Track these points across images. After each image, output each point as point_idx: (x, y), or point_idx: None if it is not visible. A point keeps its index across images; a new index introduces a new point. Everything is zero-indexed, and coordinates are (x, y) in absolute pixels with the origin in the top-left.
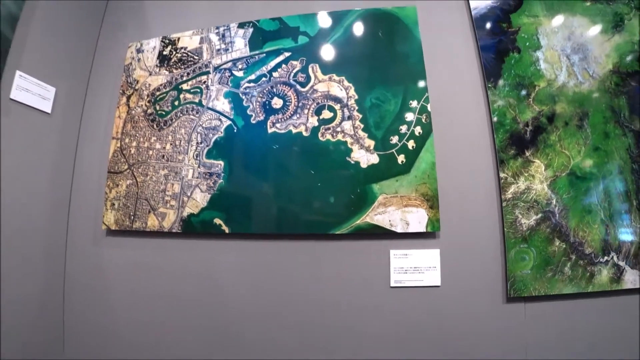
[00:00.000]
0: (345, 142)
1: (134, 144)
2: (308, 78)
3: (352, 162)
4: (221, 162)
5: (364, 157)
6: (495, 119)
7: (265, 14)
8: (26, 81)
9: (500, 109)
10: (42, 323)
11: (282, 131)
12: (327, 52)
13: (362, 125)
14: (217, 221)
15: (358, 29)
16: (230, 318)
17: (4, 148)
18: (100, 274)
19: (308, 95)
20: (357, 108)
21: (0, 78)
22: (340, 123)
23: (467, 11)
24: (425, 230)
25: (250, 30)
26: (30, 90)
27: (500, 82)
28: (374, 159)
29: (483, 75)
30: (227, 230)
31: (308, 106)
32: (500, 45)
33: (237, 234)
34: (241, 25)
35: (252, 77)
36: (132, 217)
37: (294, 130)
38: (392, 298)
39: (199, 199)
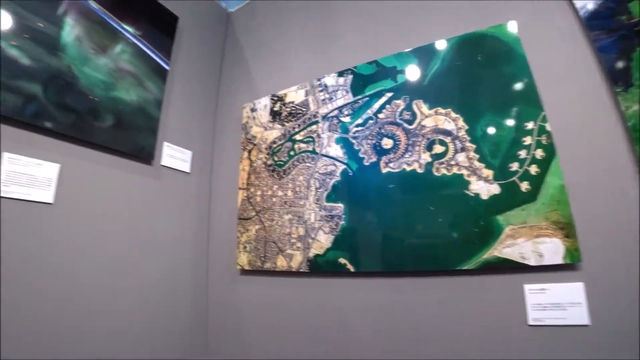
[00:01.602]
0: (462, 174)
1: (259, 192)
2: (414, 115)
3: (472, 194)
4: (341, 205)
5: (484, 188)
6: (630, 125)
7: (361, 59)
8: (171, 149)
9: (636, 115)
10: (190, 349)
11: (396, 170)
12: (429, 86)
13: (477, 156)
14: (342, 261)
15: (455, 57)
16: (357, 355)
17: (159, 204)
18: (236, 309)
19: (417, 132)
20: (469, 139)
21: (154, 149)
22: (453, 156)
23: (572, 13)
24: (563, 262)
25: (350, 77)
26: (174, 156)
27: (632, 82)
28: (495, 189)
29: (607, 79)
30: (352, 269)
31: (418, 143)
32: (622, 42)
33: (362, 272)
34: (340, 74)
35: (359, 121)
36: (263, 259)
37: (408, 168)
38: (532, 337)
39: (323, 240)
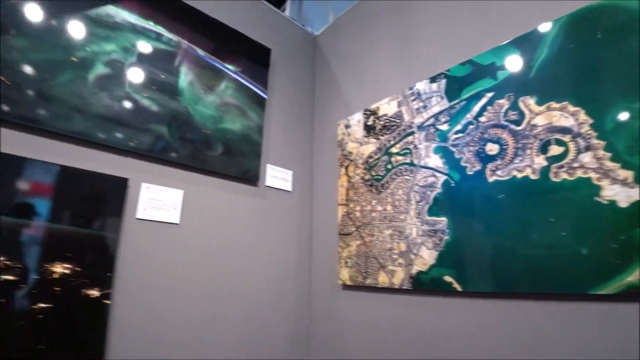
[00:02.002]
0: (589, 178)
1: (358, 208)
2: (521, 114)
3: (605, 202)
4: (444, 219)
5: (621, 193)
6: None
7: (454, 61)
8: (273, 170)
9: None
10: None
11: (505, 178)
12: (536, 79)
13: (608, 154)
14: (448, 279)
15: (566, 40)
16: None
17: (266, 221)
18: (337, 323)
19: (526, 133)
20: (595, 135)
21: (259, 171)
22: (576, 157)
23: None
24: None
25: (443, 81)
26: (277, 176)
27: None
28: (637, 194)
29: None
30: (458, 288)
31: (529, 145)
32: None
33: (470, 292)
34: (433, 80)
35: (458, 127)
36: (364, 274)
37: (519, 175)
38: None
39: (426, 257)
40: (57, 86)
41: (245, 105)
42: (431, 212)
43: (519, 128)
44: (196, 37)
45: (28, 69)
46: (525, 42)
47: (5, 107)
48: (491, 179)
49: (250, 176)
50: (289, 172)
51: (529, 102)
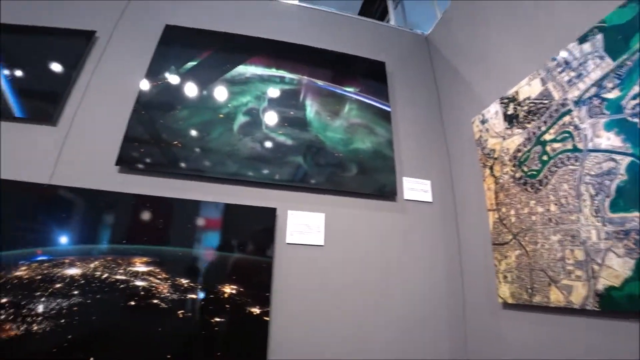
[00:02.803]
0: None
1: (512, 212)
2: None
3: None
4: (637, 214)
5: None
6: None
7: (608, 7)
8: (410, 182)
9: None
10: None
11: None
12: None
13: None
14: None
15: None
16: None
17: (408, 236)
18: (499, 347)
19: None
20: None
21: (395, 186)
22: None
23: None
24: None
25: (599, 37)
26: (414, 188)
27: None
28: None
29: None
30: None
31: None
32: None
33: None
34: (582, 39)
35: (636, 89)
36: (530, 291)
37: None
38: None
39: (617, 267)
40: (212, 140)
41: (371, 122)
42: (615, 207)
43: None
44: (314, 70)
45: (192, 132)
46: None
47: (182, 164)
48: None
49: (387, 192)
50: (427, 182)
51: None
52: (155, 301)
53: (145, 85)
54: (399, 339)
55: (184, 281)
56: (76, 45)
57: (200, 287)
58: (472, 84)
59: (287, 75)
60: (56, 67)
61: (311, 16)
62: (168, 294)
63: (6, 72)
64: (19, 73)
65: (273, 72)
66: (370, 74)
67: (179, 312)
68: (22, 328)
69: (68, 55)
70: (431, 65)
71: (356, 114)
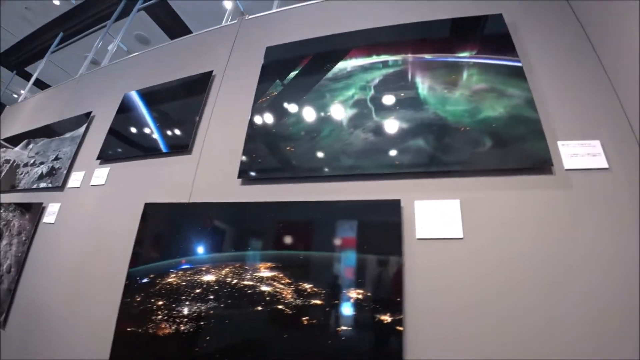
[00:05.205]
0: None
1: None
2: None
3: None
4: None
5: None
6: None
7: None
8: (569, 147)
9: None
10: None
11: None
12: None
13: None
14: None
15: None
16: None
17: (576, 217)
18: None
19: None
20: None
21: (549, 154)
22: None
23: None
24: None
25: None
26: (578, 154)
27: None
28: None
29: None
30: None
31: None
32: None
33: None
34: None
35: None
36: None
37: None
38: None
39: None
40: (323, 139)
41: (500, 84)
42: None
43: None
44: (417, 46)
45: (303, 135)
46: None
47: (297, 168)
48: None
49: (538, 163)
50: (595, 142)
51: None
52: (280, 307)
53: (255, 102)
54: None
55: (307, 286)
56: (199, 86)
57: (323, 292)
58: None
59: (390, 58)
60: (186, 107)
61: None
62: (292, 299)
63: (155, 119)
64: (162, 118)
65: (374, 59)
66: (485, 32)
67: (304, 318)
68: (173, 327)
69: (195, 95)
70: None
71: (478, 79)
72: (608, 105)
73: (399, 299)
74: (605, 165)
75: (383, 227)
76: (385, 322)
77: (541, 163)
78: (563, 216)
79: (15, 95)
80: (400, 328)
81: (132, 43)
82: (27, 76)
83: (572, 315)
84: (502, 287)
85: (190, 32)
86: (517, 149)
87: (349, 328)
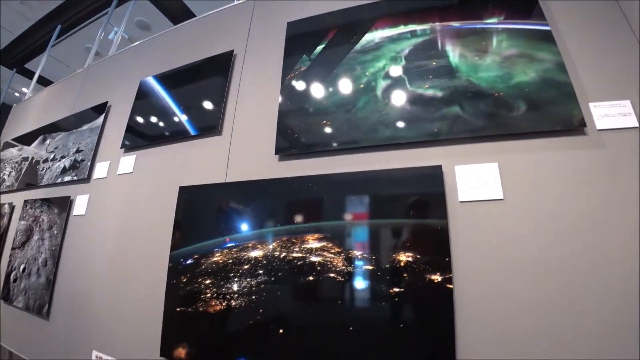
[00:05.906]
0: None
1: None
2: None
3: None
4: None
5: None
6: None
7: None
8: (600, 108)
9: None
10: None
11: None
12: None
13: None
14: None
15: None
16: None
17: (612, 178)
18: None
19: None
20: None
21: (581, 116)
22: None
23: None
24: None
25: None
26: (609, 114)
27: None
28: None
29: None
30: None
31: None
32: None
33: None
34: None
35: None
36: None
37: None
38: None
39: None
40: (359, 110)
41: (530, 48)
42: None
43: None
44: (445, 14)
45: (338, 108)
46: None
47: (335, 140)
48: None
49: (572, 125)
50: (625, 102)
51: None
52: (332, 275)
53: (284, 79)
54: (616, 315)
55: (357, 253)
56: (221, 65)
57: (374, 257)
58: None
59: (418, 27)
60: (210, 88)
61: None
62: (343, 267)
63: (178, 103)
64: (184, 101)
65: (402, 29)
66: None
67: (357, 283)
68: (224, 304)
69: (217, 76)
70: None
71: (508, 45)
72: (636, 65)
73: (447, 259)
74: (635, 124)
75: (427, 193)
76: (436, 281)
77: (574, 124)
78: (597, 174)
79: (17, 94)
80: (450, 286)
81: (133, 29)
82: (27, 73)
83: (610, 267)
84: (542, 243)
85: (193, 15)
86: (551, 111)
87: (402, 289)
